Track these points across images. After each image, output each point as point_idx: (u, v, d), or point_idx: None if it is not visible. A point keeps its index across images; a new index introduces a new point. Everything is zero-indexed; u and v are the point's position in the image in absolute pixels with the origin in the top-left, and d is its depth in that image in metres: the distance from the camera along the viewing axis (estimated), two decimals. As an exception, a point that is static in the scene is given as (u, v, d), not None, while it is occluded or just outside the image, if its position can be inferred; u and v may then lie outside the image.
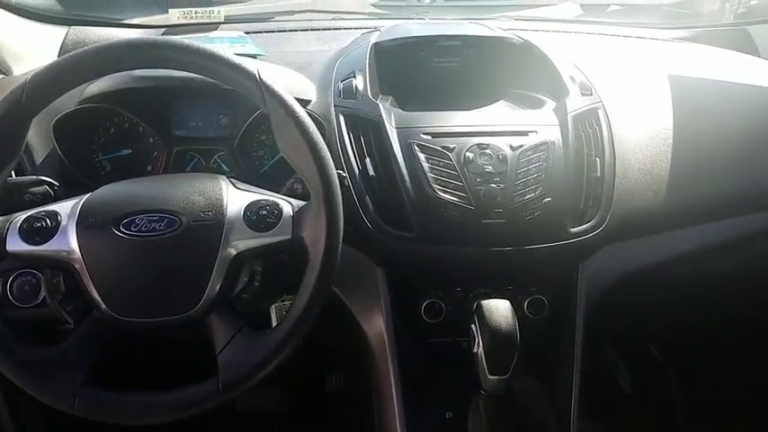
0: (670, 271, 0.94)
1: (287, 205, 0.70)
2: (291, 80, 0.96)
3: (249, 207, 0.68)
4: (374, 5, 1.71)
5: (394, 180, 0.82)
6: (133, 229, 0.65)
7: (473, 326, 0.74)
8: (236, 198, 0.69)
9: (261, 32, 1.21)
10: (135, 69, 0.72)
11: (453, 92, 1.02)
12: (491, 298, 0.76)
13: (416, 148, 0.82)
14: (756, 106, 1.03)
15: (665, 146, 0.94)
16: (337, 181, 0.67)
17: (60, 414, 0.62)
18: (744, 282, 1.04)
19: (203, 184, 0.70)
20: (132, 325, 0.65)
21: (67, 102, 0.88)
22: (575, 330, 0.85)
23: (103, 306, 0.64)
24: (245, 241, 0.67)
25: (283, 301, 0.82)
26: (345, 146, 0.85)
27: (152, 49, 0.66)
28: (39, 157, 0.85)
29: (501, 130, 0.85)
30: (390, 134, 0.84)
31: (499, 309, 0.73)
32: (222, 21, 1.26)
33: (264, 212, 0.68)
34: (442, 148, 0.82)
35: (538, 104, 0.94)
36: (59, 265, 0.66)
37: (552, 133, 0.85)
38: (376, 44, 0.99)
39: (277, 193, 0.75)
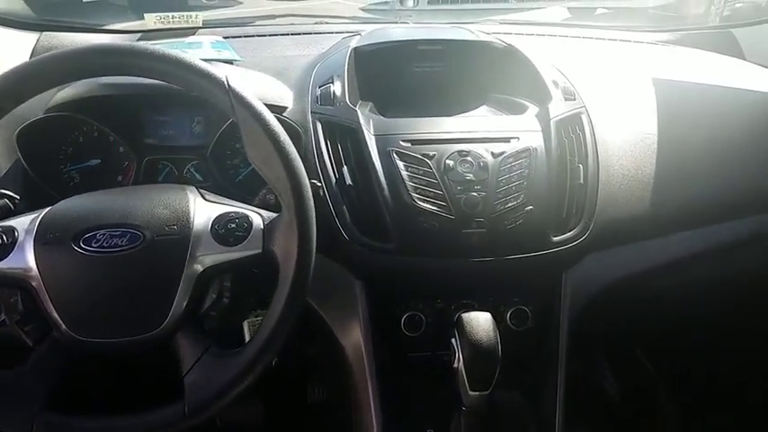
0: (656, 278, 0.93)
1: (257, 217, 0.67)
2: (267, 86, 0.93)
3: (217, 220, 0.66)
4: (361, 9, 1.70)
5: (372, 189, 0.79)
6: (93, 245, 0.62)
7: (453, 340, 0.72)
8: (203, 210, 0.66)
9: (240, 37, 1.19)
10: (96, 77, 0.70)
11: (435, 97, 1.00)
12: (473, 309, 0.74)
13: (395, 155, 0.80)
14: (741, 109, 1.02)
15: (650, 151, 0.92)
16: (310, 192, 0.64)
17: None
18: (731, 288, 1.03)
19: (169, 196, 0.67)
20: (94, 346, 0.62)
21: (33, 110, 0.85)
22: (559, 341, 0.83)
23: (63, 326, 0.61)
24: (212, 256, 0.64)
25: (257, 316, 0.80)
26: (322, 154, 0.82)
27: (113, 56, 0.63)
28: (1, 168, 0.82)
29: (482, 137, 0.83)
30: (368, 141, 0.81)
31: (480, 322, 0.71)
32: (200, 25, 1.23)
33: (233, 225, 0.65)
34: (422, 155, 0.80)
35: (520, 110, 0.92)
36: (16, 283, 0.63)
37: (534, 139, 0.83)
38: (356, 49, 0.97)
39: (251, 203, 0.72)
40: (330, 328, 0.83)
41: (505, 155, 0.81)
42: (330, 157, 0.82)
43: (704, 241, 0.93)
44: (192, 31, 1.22)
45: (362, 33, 1.07)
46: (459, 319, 0.71)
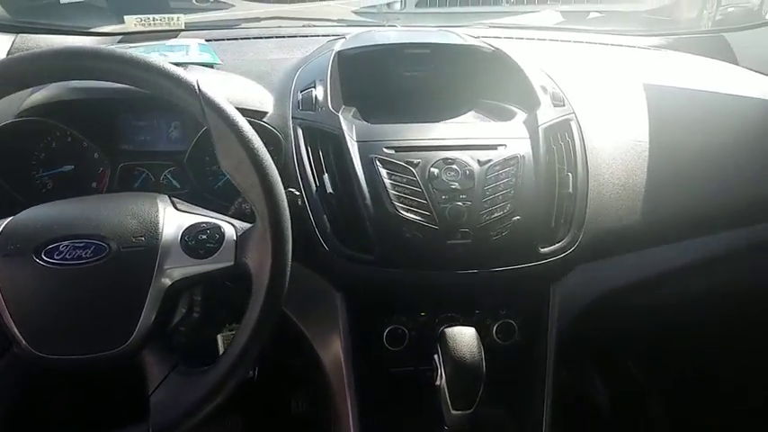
0: (647, 290, 0.91)
1: (230, 228, 0.64)
2: (247, 90, 0.90)
3: (188, 231, 0.63)
4: (351, 12, 1.67)
5: (353, 198, 0.77)
6: (56, 257, 0.59)
7: (436, 356, 0.69)
8: (173, 221, 0.64)
9: (223, 40, 1.16)
10: (59, 81, 0.66)
11: (421, 103, 0.97)
12: (457, 323, 0.72)
13: (378, 163, 0.77)
14: (734, 115, 1.00)
15: (641, 159, 0.90)
16: (285, 202, 0.62)
17: None
18: (722, 299, 1.01)
19: (138, 205, 0.64)
20: (55, 363, 0.59)
21: (3, 114, 0.82)
22: (547, 355, 0.81)
23: (23, 342, 0.58)
24: (181, 269, 0.61)
25: (231, 330, 0.77)
26: (303, 161, 0.80)
27: (75, 59, 0.60)
28: None
29: (468, 144, 0.81)
30: (351, 148, 0.79)
31: (464, 337, 0.69)
32: (182, 28, 1.20)
33: (204, 237, 0.63)
34: (406, 163, 0.77)
35: (508, 116, 0.89)
36: None
37: (522, 147, 0.81)
38: (339, 52, 0.94)
39: (228, 212, 0.69)
40: (310, 341, 0.80)
41: (492, 163, 0.78)
42: (311, 165, 0.79)
43: (697, 252, 0.91)
44: (173, 33, 1.19)
45: (347, 36, 1.04)
46: (443, 334, 0.69)
